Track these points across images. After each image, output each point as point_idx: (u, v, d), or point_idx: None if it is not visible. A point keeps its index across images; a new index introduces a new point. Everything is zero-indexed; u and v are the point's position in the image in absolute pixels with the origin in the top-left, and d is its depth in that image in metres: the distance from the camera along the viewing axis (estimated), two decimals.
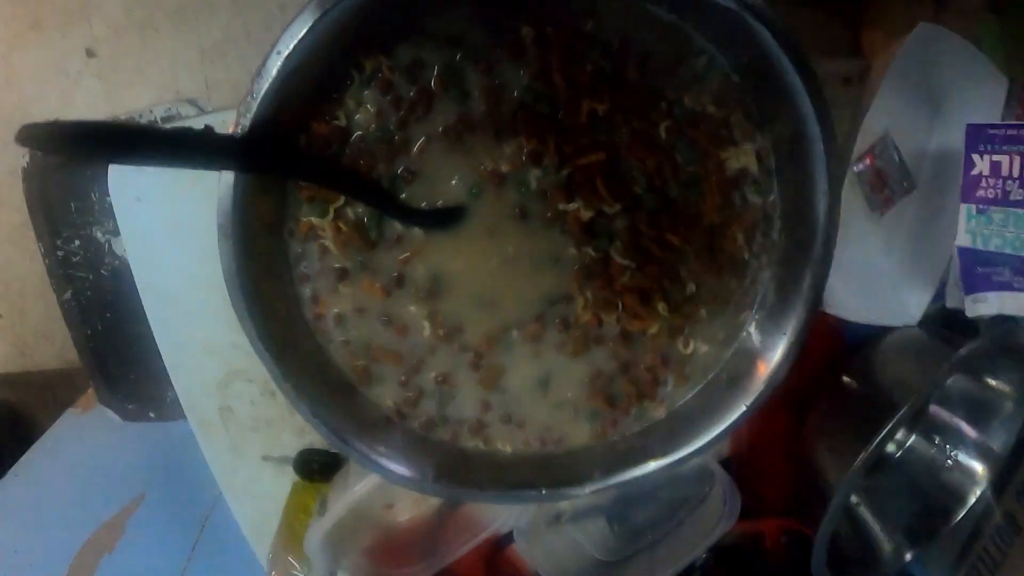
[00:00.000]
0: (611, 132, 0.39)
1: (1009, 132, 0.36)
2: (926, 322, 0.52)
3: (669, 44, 0.38)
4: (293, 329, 0.44)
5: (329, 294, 0.43)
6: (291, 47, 0.34)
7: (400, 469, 0.44)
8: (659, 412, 0.46)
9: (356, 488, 0.50)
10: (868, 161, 0.50)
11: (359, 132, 0.38)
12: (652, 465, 0.44)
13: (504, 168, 0.39)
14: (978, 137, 0.37)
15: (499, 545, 0.59)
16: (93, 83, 0.98)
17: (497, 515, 0.56)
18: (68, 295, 0.68)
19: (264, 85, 0.34)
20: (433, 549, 0.58)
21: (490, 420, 0.45)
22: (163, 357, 0.56)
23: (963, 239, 0.38)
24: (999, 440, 0.53)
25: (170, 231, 0.52)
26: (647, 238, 0.40)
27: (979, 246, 0.37)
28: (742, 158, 0.40)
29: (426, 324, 0.42)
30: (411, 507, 0.58)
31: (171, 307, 0.55)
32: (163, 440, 0.61)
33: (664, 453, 0.44)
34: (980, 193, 0.37)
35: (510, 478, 0.45)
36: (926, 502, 0.58)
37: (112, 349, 0.69)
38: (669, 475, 0.56)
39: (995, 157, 0.36)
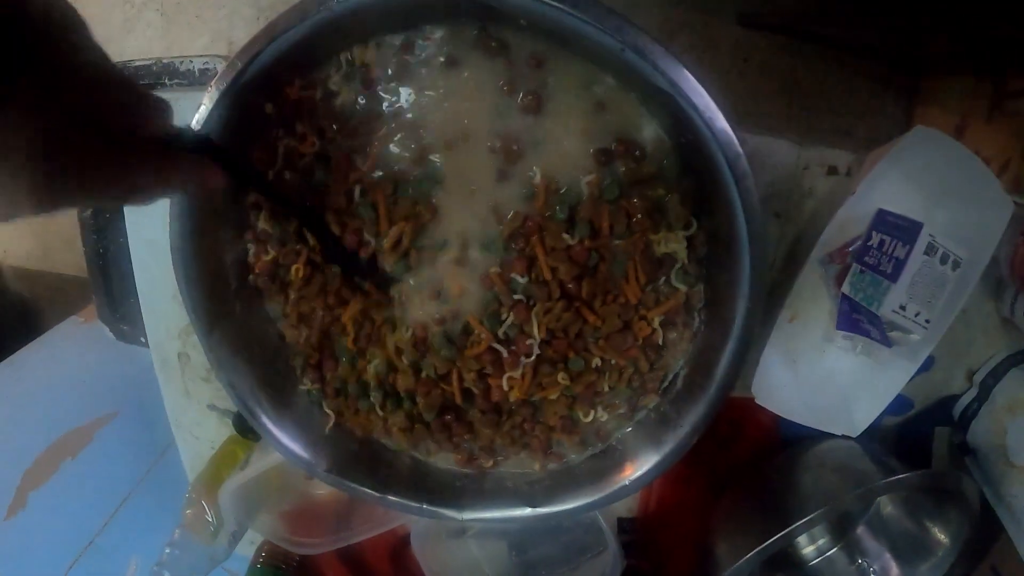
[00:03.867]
0: None
1: (899, 223, 0.42)
2: (868, 438, 0.49)
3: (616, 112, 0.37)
4: (230, 305, 0.47)
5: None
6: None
7: (299, 451, 0.47)
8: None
9: (276, 454, 0.54)
10: (839, 260, 0.47)
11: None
12: (528, 512, 0.45)
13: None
14: (881, 219, 0.43)
15: (406, 540, 0.61)
16: (154, 16, 1.02)
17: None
18: (88, 212, 0.73)
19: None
20: (341, 527, 0.61)
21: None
22: (139, 297, 0.61)
23: (846, 288, 0.44)
24: None
25: None
26: (571, 299, 0.40)
27: (854, 296, 0.44)
28: (672, 243, 0.39)
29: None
30: None
31: (152, 254, 0.59)
32: (148, 367, 0.65)
33: (545, 504, 0.45)
34: (867, 259, 0.44)
35: (399, 487, 0.47)
36: None
37: (118, 272, 0.74)
38: (572, 522, 0.57)
39: (883, 236, 0.43)
